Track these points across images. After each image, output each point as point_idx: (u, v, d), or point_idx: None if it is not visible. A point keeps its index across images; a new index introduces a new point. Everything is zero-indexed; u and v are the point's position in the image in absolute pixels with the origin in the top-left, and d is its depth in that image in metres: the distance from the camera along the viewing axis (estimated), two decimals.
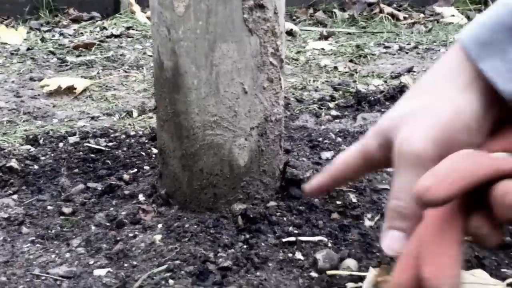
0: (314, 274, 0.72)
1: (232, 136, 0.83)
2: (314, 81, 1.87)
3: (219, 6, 0.78)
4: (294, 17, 3.63)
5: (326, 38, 2.74)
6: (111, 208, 0.90)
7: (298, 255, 0.76)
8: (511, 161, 0.47)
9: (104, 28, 2.95)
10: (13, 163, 1.06)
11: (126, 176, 1.01)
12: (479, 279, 0.61)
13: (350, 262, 0.73)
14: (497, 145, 0.52)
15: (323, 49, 2.44)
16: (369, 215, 0.86)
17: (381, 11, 3.47)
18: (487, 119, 0.53)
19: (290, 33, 2.89)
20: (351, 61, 2.17)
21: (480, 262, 0.74)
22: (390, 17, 3.34)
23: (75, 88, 1.66)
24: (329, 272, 0.72)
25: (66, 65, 2.05)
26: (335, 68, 2.05)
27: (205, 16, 0.78)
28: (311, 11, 3.77)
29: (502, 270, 0.72)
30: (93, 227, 0.85)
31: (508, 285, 0.60)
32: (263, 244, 0.79)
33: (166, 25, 0.81)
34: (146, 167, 1.06)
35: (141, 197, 0.93)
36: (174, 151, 0.86)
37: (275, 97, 0.86)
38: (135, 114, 1.47)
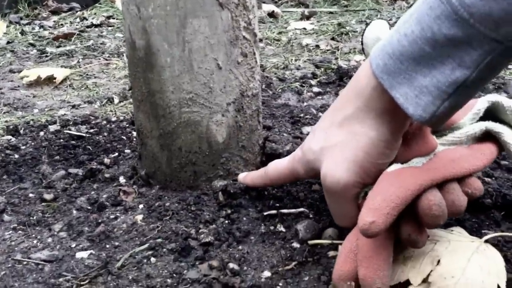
0: (296, 244, 0.72)
1: (209, 112, 0.83)
2: (296, 60, 1.86)
3: None
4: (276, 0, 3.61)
5: (307, 18, 2.73)
6: (92, 192, 0.90)
7: (280, 228, 0.76)
8: (427, 169, 0.58)
9: (84, 18, 2.92)
10: None
11: (107, 160, 1.01)
12: (456, 236, 0.61)
13: (331, 231, 0.73)
14: (410, 154, 0.62)
15: (304, 28, 2.43)
16: None
17: None
18: (398, 139, 0.61)
19: (272, 14, 2.88)
20: (332, 39, 2.17)
21: (461, 224, 0.74)
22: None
23: (55, 78, 1.64)
24: (311, 242, 0.72)
25: (46, 56, 2.03)
26: (317, 46, 2.04)
27: None
28: None
29: (483, 231, 0.73)
30: (74, 212, 0.85)
31: (485, 241, 0.61)
32: (244, 218, 0.79)
33: (136, 3, 0.80)
34: (127, 151, 1.06)
35: (121, 180, 0.92)
36: (151, 131, 0.85)
37: (251, 72, 0.86)
38: (116, 100, 1.46)
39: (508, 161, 0.92)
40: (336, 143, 0.62)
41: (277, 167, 0.76)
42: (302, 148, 0.69)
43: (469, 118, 0.65)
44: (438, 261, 0.56)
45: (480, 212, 0.77)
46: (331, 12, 2.92)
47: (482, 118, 0.65)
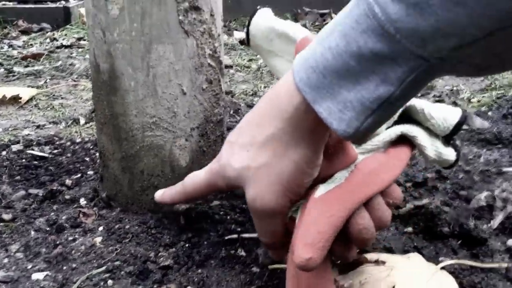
0: (255, 269, 0.72)
1: (172, 137, 0.83)
2: (265, 87, 1.88)
3: (154, 8, 0.78)
4: None
5: None
6: (52, 213, 0.89)
7: (241, 252, 0.76)
8: (351, 190, 0.59)
9: (55, 39, 2.90)
10: None
11: (68, 181, 1.00)
12: (413, 263, 0.62)
13: None
14: (332, 168, 0.63)
15: None
16: None
17: None
18: (320, 157, 0.61)
19: (243, 42, 2.91)
20: None
21: (419, 252, 0.75)
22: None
23: (20, 98, 1.63)
24: (271, 266, 0.72)
25: (13, 76, 2.01)
26: None
27: (139, 18, 0.78)
28: None
29: (440, 258, 0.74)
30: (32, 232, 0.83)
31: (442, 268, 0.62)
32: (205, 242, 0.78)
33: (101, 28, 0.80)
34: (90, 172, 1.05)
35: (82, 201, 0.91)
36: (113, 154, 0.85)
37: (215, 98, 0.87)
38: (82, 121, 1.45)
39: (466, 191, 0.94)
40: (260, 165, 0.60)
41: (194, 181, 0.72)
42: (219, 162, 0.66)
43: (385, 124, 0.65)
44: (393, 287, 0.57)
45: (437, 240, 0.79)
46: None
47: (397, 121, 0.67)
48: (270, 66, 0.83)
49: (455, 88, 1.82)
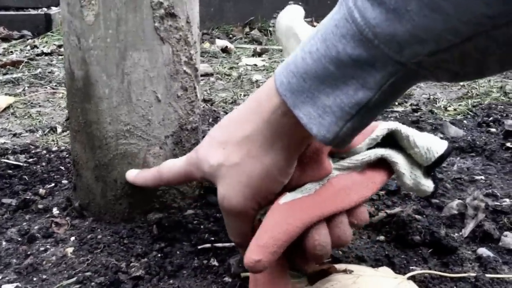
0: (228, 279, 0.72)
1: (146, 145, 0.82)
2: (245, 95, 1.88)
3: (129, 14, 0.78)
4: (231, 36, 3.66)
5: (259, 54, 2.77)
6: (24, 223, 0.88)
7: (213, 262, 0.76)
8: (317, 202, 0.59)
9: (35, 46, 2.89)
10: None
11: (42, 191, 0.99)
12: (380, 273, 0.62)
13: None
14: (304, 178, 0.63)
15: (255, 65, 2.46)
16: None
17: None
18: (292, 166, 0.62)
19: (225, 50, 2.91)
20: None
21: (390, 260, 0.75)
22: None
23: None
24: (243, 275, 0.71)
25: None
26: None
27: (115, 25, 0.78)
28: (247, 29, 3.81)
29: (411, 267, 0.74)
30: (4, 243, 0.82)
31: (409, 278, 0.62)
32: (178, 252, 0.78)
33: (76, 34, 0.80)
34: (64, 181, 1.04)
35: (55, 211, 0.90)
36: (87, 162, 0.84)
37: (190, 106, 0.86)
38: (59, 130, 1.44)
39: (438, 199, 0.95)
40: (233, 164, 0.61)
41: (171, 168, 0.73)
42: (197, 153, 0.67)
43: (366, 143, 0.65)
44: None
45: (409, 248, 0.79)
46: (282, 50, 2.97)
47: (380, 143, 0.66)
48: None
49: (432, 97, 1.84)
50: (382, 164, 0.66)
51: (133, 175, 0.81)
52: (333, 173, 0.64)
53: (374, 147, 0.66)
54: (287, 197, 0.60)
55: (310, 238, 0.57)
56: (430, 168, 0.67)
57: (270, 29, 3.68)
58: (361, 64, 0.49)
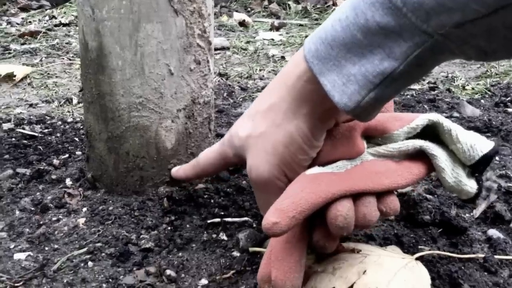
0: (236, 253, 0.72)
1: (158, 118, 0.82)
2: (260, 70, 1.87)
3: None
4: (249, 9, 3.64)
5: (277, 29, 2.75)
6: (38, 193, 0.89)
7: (223, 236, 0.76)
8: (345, 178, 0.58)
9: (54, 16, 2.89)
10: None
11: (56, 161, 1.00)
12: (388, 252, 0.62)
13: None
14: (335, 154, 0.62)
15: (272, 39, 2.45)
16: None
17: (334, 4, 3.50)
18: (318, 137, 0.61)
19: (242, 23, 2.89)
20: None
21: (399, 239, 0.75)
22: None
23: (14, 76, 1.62)
24: (251, 249, 0.72)
25: (9, 53, 2.00)
26: (283, 58, 2.06)
27: None
28: (265, 3, 3.78)
29: (419, 246, 0.74)
30: (17, 212, 0.83)
31: (417, 258, 0.62)
32: (187, 225, 0.78)
33: (90, 4, 0.80)
34: (78, 152, 1.05)
35: (68, 182, 0.91)
36: (100, 134, 0.85)
37: (203, 80, 0.86)
38: (74, 101, 1.45)
39: None
40: (259, 133, 0.62)
41: (207, 154, 0.75)
42: (231, 132, 0.68)
43: (404, 131, 0.63)
44: (364, 272, 0.57)
45: (418, 228, 0.78)
46: (301, 25, 2.95)
47: (419, 135, 0.64)
48: None
49: (450, 75, 1.81)
50: (422, 157, 0.63)
51: (175, 170, 0.83)
52: (367, 157, 0.63)
53: (413, 137, 0.63)
54: (314, 170, 0.59)
55: (332, 209, 0.55)
56: (475, 169, 0.63)
57: (289, 3, 3.64)
58: (389, 33, 0.49)
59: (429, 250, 0.71)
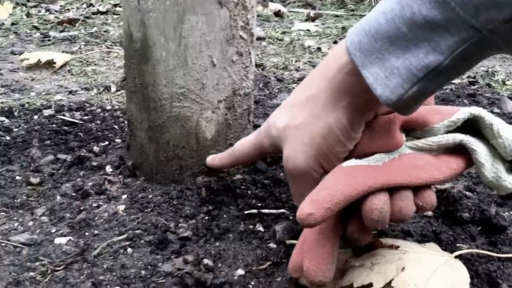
0: (272, 245, 0.73)
1: (199, 108, 0.83)
2: (296, 61, 1.87)
3: None
4: None
5: (313, 19, 2.74)
6: (78, 179, 0.91)
7: (259, 227, 0.77)
8: (382, 171, 0.57)
9: (91, 4, 2.93)
10: None
11: (96, 148, 1.02)
12: (427, 249, 0.62)
13: None
14: (373, 147, 0.62)
15: (308, 30, 2.44)
16: None
17: None
18: (356, 129, 0.61)
19: (278, 14, 2.89)
20: (335, 42, 2.17)
21: (437, 236, 0.75)
22: (379, 1, 3.32)
23: (54, 63, 1.65)
24: (288, 242, 0.72)
25: (49, 40, 2.04)
26: (319, 49, 2.05)
27: None
28: None
29: (458, 244, 0.73)
30: (58, 197, 0.85)
31: (456, 257, 0.61)
32: (225, 215, 0.79)
33: None
34: (118, 140, 1.07)
35: (108, 169, 0.93)
36: (141, 123, 0.86)
37: (244, 71, 0.86)
38: (113, 89, 1.47)
39: None
40: (297, 124, 0.62)
41: (243, 144, 0.75)
42: (268, 122, 0.68)
43: (445, 125, 0.62)
44: (403, 269, 0.57)
45: (457, 225, 0.78)
46: (336, 16, 2.93)
47: (460, 128, 0.63)
48: None
49: (490, 69, 1.78)
50: (461, 151, 0.62)
51: (210, 158, 0.83)
52: (405, 150, 0.62)
53: (453, 131, 0.63)
54: (351, 162, 0.59)
55: (368, 202, 0.54)
56: None
57: None
58: (435, 26, 0.48)
59: (468, 248, 0.70)
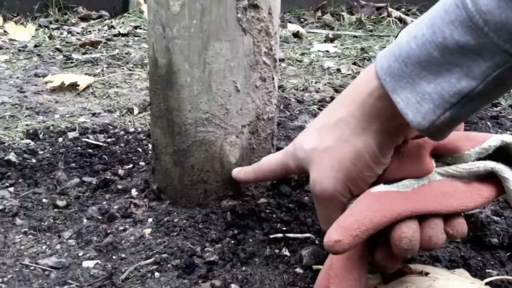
0: (299, 270, 0.73)
1: (224, 133, 0.84)
2: (316, 82, 1.88)
3: (213, 5, 0.79)
4: (302, 20, 3.64)
5: (331, 40, 2.75)
6: (104, 202, 0.92)
7: (285, 252, 0.77)
8: (412, 198, 0.56)
9: (112, 26, 2.97)
10: (11, 156, 1.08)
11: (121, 171, 1.03)
12: (457, 277, 0.61)
13: None
14: (402, 172, 0.61)
15: (327, 51, 2.44)
16: None
17: (389, 15, 3.47)
18: (386, 155, 0.60)
19: (296, 35, 2.90)
20: (354, 63, 2.18)
21: (465, 262, 0.74)
22: (398, 21, 3.34)
23: (78, 85, 1.67)
24: (315, 267, 0.72)
25: (72, 62, 2.06)
26: (338, 70, 2.06)
27: (199, 15, 0.79)
28: (319, 13, 3.78)
29: (487, 270, 0.73)
30: (85, 220, 0.86)
31: (486, 283, 0.61)
32: (250, 240, 0.80)
33: (161, 23, 0.82)
34: (142, 163, 1.08)
35: (133, 192, 0.94)
36: (166, 147, 0.87)
37: (268, 96, 0.87)
38: (135, 111, 1.49)
39: None
40: (325, 148, 0.61)
41: (270, 160, 0.76)
42: (295, 143, 0.68)
43: (476, 152, 0.61)
44: None
45: (485, 251, 0.77)
46: (355, 36, 2.93)
47: (491, 156, 0.62)
48: None
49: None
50: (492, 179, 0.61)
51: (236, 171, 0.84)
52: (435, 177, 0.61)
53: (484, 158, 0.62)
54: (379, 188, 0.59)
55: (397, 230, 0.54)
56: None
57: (343, 13, 3.63)
58: (468, 51, 0.48)
59: (497, 274, 0.70)
